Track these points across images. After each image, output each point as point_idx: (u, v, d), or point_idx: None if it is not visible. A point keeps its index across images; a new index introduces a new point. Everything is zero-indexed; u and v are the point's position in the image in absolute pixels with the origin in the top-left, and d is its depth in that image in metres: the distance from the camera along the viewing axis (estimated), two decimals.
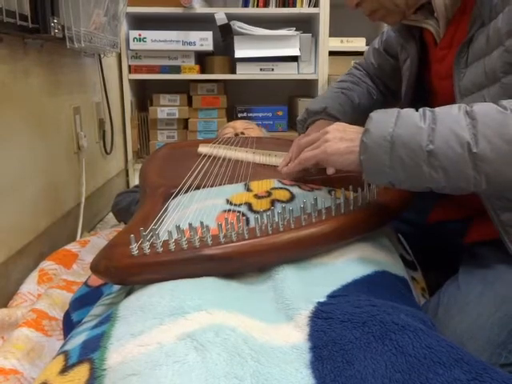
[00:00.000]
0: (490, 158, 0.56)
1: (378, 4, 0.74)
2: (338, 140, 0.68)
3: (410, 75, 0.85)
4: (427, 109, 0.62)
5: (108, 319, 0.53)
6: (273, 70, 1.97)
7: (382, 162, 0.61)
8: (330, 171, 0.73)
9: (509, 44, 0.61)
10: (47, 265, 1.04)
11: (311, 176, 0.83)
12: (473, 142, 0.56)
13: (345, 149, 0.67)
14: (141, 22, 2.09)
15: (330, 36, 1.95)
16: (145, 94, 2.20)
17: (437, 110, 0.61)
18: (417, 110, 0.62)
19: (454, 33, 0.73)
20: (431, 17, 0.75)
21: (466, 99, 0.68)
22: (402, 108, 0.64)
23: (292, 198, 0.74)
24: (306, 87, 2.16)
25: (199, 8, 1.88)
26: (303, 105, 1.99)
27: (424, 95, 0.85)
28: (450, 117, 0.59)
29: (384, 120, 0.62)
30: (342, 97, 1.00)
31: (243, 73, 1.96)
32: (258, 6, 1.92)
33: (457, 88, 0.69)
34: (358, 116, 0.97)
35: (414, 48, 0.83)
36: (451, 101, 0.68)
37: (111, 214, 1.49)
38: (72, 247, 1.14)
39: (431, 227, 0.90)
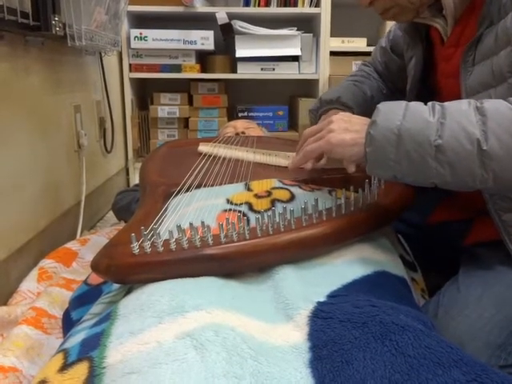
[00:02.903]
0: (498, 156, 0.55)
1: (392, 2, 0.73)
2: (343, 130, 0.67)
3: (415, 73, 0.85)
4: (436, 103, 0.61)
5: (108, 317, 0.53)
6: (274, 69, 1.97)
7: (388, 155, 0.60)
8: (351, 169, 0.70)
9: None
10: (47, 263, 1.04)
11: (313, 174, 0.83)
12: (482, 138, 0.55)
13: (350, 140, 0.66)
14: (142, 21, 2.09)
15: (331, 36, 1.95)
16: (145, 92, 2.19)
17: (446, 104, 0.60)
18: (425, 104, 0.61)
19: (462, 31, 0.73)
20: (439, 15, 0.75)
21: (473, 98, 0.67)
22: None
23: (292, 197, 0.74)
24: (307, 87, 2.16)
25: (200, 7, 1.88)
26: (304, 105, 1.99)
27: (429, 94, 0.85)
28: (460, 112, 0.58)
29: (392, 112, 0.61)
30: (355, 88, 1.00)
31: (244, 72, 1.96)
32: (259, 6, 1.91)
33: (463, 87, 0.69)
34: (369, 108, 0.96)
35: (419, 46, 0.83)
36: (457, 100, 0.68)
37: (111, 213, 1.49)
38: (72, 245, 1.14)
39: (432, 228, 0.90)
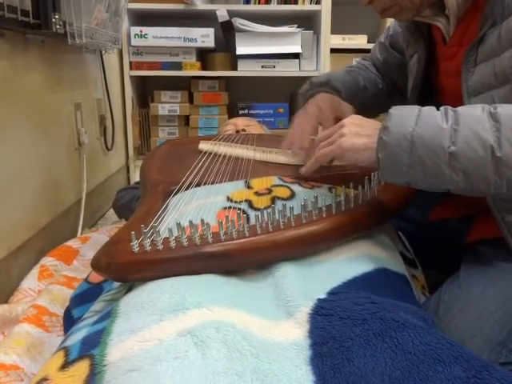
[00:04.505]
0: None
1: (392, 1, 0.72)
2: (354, 135, 0.67)
3: (418, 72, 0.84)
4: (449, 108, 0.60)
5: (108, 315, 0.53)
6: (274, 66, 1.97)
7: (401, 162, 0.60)
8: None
9: None
10: (48, 261, 1.05)
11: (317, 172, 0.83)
12: (496, 145, 0.55)
13: (361, 145, 0.66)
14: (142, 19, 2.09)
15: (331, 33, 1.94)
16: (146, 90, 2.19)
17: (459, 109, 0.60)
18: (438, 109, 0.61)
19: (465, 31, 0.72)
20: (441, 14, 0.74)
21: (474, 99, 0.67)
22: (408, 105, 0.63)
23: (292, 195, 0.74)
24: None
25: (201, 5, 1.88)
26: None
27: (431, 92, 0.84)
28: (473, 118, 0.58)
29: (404, 118, 0.61)
30: (348, 75, 0.99)
31: (244, 70, 1.96)
32: (259, 3, 1.91)
33: (464, 87, 0.68)
34: (361, 99, 0.95)
35: (422, 44, 0.82)
36: (459, 99, 0.68)
37: (112, 211, 1.49)
38: (73, 243, 1.14)
39: (433, 225, 0.90)
